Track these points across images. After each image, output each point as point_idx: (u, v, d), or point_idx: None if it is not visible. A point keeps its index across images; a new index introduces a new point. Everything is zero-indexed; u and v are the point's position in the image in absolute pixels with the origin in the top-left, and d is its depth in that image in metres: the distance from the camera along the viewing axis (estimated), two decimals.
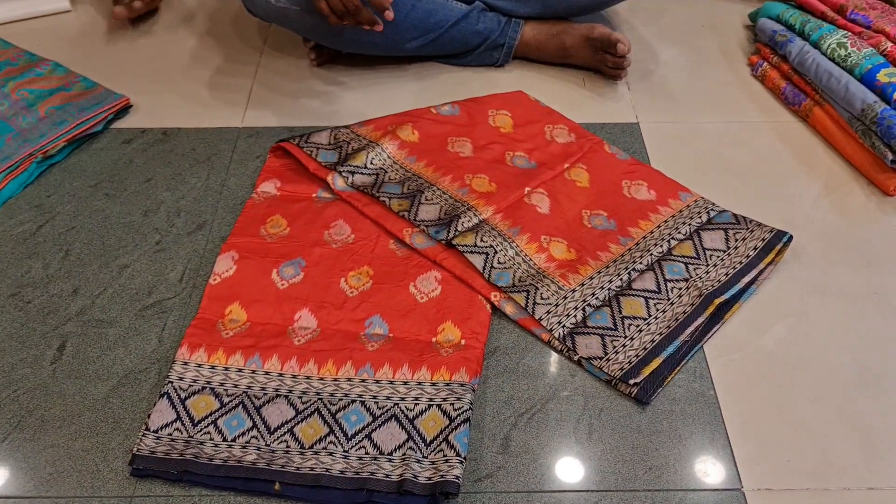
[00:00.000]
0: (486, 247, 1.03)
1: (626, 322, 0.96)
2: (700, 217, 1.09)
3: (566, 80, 1.37)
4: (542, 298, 0.98)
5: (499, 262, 1.02)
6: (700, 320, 0.96)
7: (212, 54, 1.43)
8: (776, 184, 1.17)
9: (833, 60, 1.22)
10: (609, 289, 0.99)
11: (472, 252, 1.02)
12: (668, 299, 0.99)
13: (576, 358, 0.94)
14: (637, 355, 0.93)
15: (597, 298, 0.98)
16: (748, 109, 1.31)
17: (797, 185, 1.17)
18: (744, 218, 1.09)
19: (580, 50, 1.34)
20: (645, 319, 0.97)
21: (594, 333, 0.95)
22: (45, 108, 1.22)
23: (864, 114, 1.14)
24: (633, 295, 0.99)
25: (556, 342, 0.95)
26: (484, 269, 1.01)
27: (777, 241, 1.05)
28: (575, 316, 0.97)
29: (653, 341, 0.94)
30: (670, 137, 1.24)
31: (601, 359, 0.93)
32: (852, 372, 0.93)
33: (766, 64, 1.36)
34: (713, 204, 1.11)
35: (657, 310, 0.98)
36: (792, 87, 1.30)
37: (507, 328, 0.98)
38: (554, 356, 0.95)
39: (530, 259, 1.03)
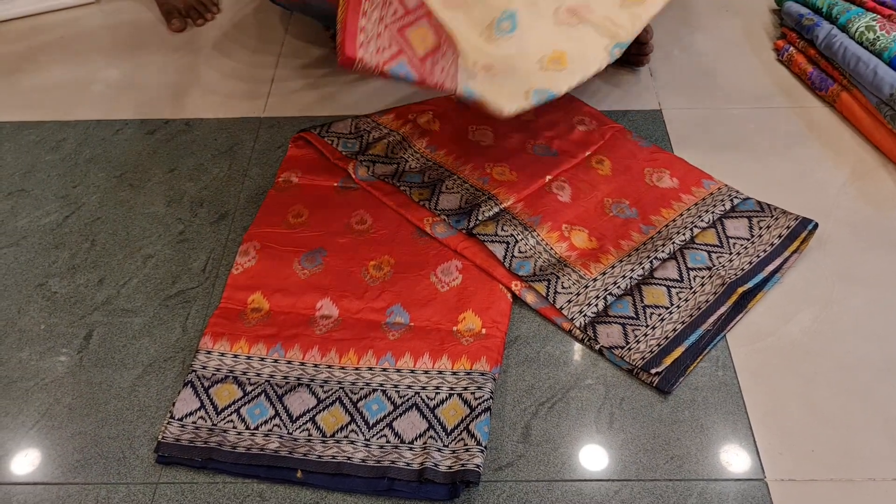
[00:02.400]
0: (506, 236, 1.03)
1: (648, 311, 0.96)
2: (723, 205, 1.07)
3: None
4: (563, 287, 0.98)
5: (520, 252, 1.02)
6: (723, 309, 0.95)
7: (234, 45, 1.44)
8: (802, 170, 1.15)
9: (861, 44, 1.19)
10: (631, 278, 0.99)
11: (492, 241, 1.02)
12: (691, 288, 0.98)
13: (597, 347, 0.93)
14: (659, 344, 0.92)
15: (618, 287, 0.98)
16: (773, 95, 1.29)
17: (823, 171, 1.15)
18: (768, 206, 1.07)
19: None
20: (667, 308, 0.96)
21: (615, 323, 0.95)
22: None
23: (892, 98, 1.11)
24: (654, 284, 0.99)
25: (577, 331, 0.95)
26: (505, 258, 1.01)
27: (802, 229, 1.03)
28: (596, 305, 0.96)
29: (675, 330, 0.93)
30: (694, 124, 1.22)
31: (622, 348, 0.92)
32: (878, 361, 0.92)
33: (792, 48, 1.33)
34: (737, 191, 1.10)
35: (679, 298, 0.97)
36: (819, 71, 1.27)
37: (527, 317, 0.98)
38: (574, 345, 0.95)
39: (551, 248, 1.03)
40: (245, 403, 0.89)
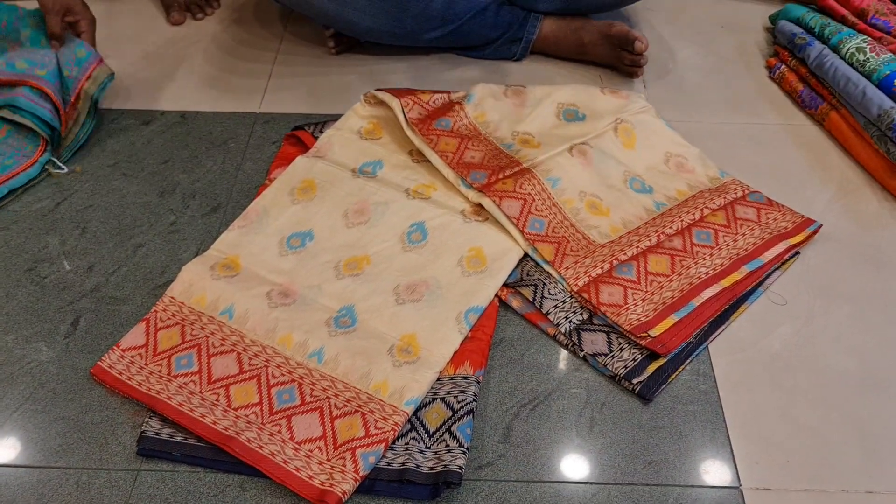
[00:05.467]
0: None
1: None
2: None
3: (583, 76, 1.37)
4: (549, 294, 0.99)
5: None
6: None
7: (232, 39, 1.45)
8: (789, 186, 1.17)
9: (851, 65, 1.21)
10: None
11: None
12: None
13: (581, 354, 0.94)
14: (642, 353, 0.93)
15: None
16: (764, 111, 1.31)
17: (810, 188, 1.17)
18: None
19: (598, 46, 1.34)
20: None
21: (600, 330, 0.96)
22: None
23: (880, 119, 1.13)
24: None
25: (562, 337, 0.96)
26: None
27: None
28: (582, 314, 0.97)
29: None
30: (685, 137, 1.23)
31: (606, 355, 0.93)
32: (856, 376, 0.93)
33: (784, 66, 1.35)
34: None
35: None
36: (809, 90, 1.29)
37: (513, 320, 0.99)
38: (558, 350, 0.96)
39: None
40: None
